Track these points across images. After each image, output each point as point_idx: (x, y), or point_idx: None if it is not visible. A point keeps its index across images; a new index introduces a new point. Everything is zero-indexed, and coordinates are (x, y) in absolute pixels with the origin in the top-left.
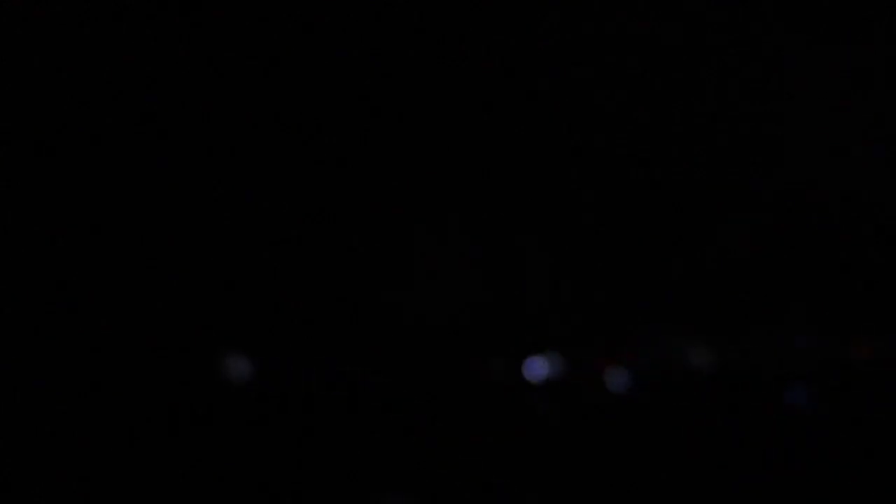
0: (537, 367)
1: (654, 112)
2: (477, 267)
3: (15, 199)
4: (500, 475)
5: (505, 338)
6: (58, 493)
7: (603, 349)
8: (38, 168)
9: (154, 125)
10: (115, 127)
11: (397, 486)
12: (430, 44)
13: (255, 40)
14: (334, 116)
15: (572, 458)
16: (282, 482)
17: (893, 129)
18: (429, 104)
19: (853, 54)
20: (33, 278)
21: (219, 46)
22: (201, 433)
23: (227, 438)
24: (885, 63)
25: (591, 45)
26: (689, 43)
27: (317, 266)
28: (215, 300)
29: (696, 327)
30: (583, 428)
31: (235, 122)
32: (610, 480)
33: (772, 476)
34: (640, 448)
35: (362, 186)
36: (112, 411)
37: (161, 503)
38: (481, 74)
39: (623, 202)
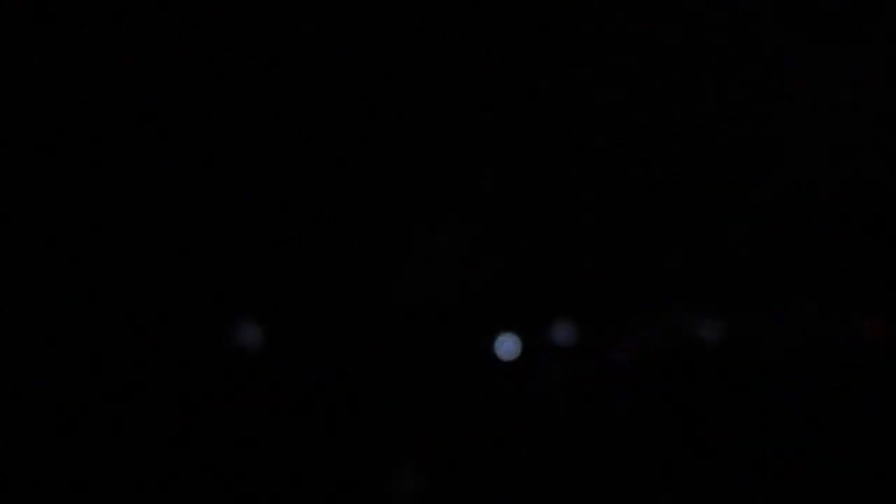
0: (508, 346)
1: (654, 112)
2: (481, 249)
3: (15, 195)
4: (505, 451)
5: (511, 315)
6: (64, 458)
7: (611, 324)
8: (39, 168)
9: (154, 125)
10: (115, 127)
11: (402, 461)
12: (430, 44)
13: (255, 40)
14: (334, 116)
15: (577, 434)
16: (284, 461)
17: (893, 129)
18: (429, 104)
19: (853, 54)
20: (38, 265)
21: (219, 46)
22: (203, 420)
23: (228, 428)
24: (885, 63)
25: (591, 45)
26: (689, 43)
27: (320, 256)
28: (222, 278)
29: (705, 303)
30: (589, 402)
31: (235, 119)
32: (614, 456)
33: (777, 455)
34: (645, 424)
35: (366, 184)
36: (116, 392)
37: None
38: (481, 74)
39: (622, 203)
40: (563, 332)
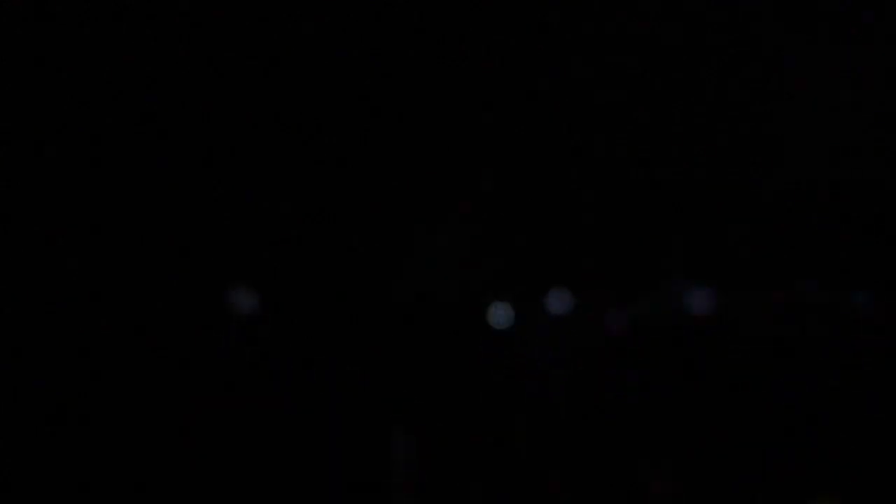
0: (501, 315)
1: (654, 112)
2: (481, 249)
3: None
4: (505, 450)
5: (509, 284)
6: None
7: (606, 293)
8: (40, 167)
9: (154, 125)
10: (115, 127)
11: (402, 458)
12: (430, 44)
13: (255, 40)
14: (334, 116)
15: (572, 402)
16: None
17: (893, 128)
18: (429, 104)
19: (853, 54)
20: (41, 253)
21: (219, 46)
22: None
23: (228, 427)
24: (885, 63)
25: (591, 45)
26: (689, 43)
27: (320, 256)
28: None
29: (698, 274)
30: (583, 370)
31: (236, 119)
32: (608, 425)
33: (771, 422)
34: (639, 391)
35: (366, 184)
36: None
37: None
38: (481, 74)
39: (622, 202)
40: (558, 303)
